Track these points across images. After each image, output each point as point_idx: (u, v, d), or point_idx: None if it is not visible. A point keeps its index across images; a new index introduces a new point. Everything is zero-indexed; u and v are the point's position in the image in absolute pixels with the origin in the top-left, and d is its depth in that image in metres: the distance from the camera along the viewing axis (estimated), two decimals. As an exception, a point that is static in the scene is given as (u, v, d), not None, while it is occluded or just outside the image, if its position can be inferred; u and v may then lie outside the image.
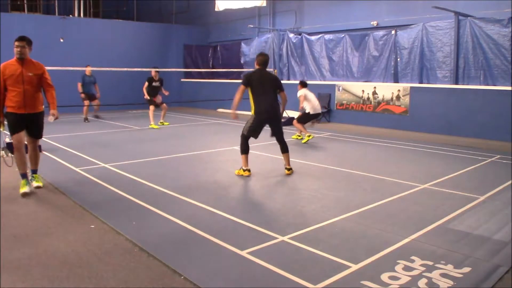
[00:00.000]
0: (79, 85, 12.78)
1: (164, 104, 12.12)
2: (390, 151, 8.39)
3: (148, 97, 11.63)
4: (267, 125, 6.29)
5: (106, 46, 16.47)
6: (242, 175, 6.20)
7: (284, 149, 6.37)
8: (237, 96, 6.11)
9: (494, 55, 10.07)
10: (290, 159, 6.46)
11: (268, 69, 6.38)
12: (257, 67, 6.24)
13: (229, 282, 3.11)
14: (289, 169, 6.33)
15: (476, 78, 10.46)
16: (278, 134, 6.35)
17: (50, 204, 4.92)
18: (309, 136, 9.28)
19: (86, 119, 12.92)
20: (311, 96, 9.49)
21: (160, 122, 12.21)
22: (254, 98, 6.10)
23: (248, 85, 6.08)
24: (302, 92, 9.42)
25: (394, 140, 9.65)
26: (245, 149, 6.23)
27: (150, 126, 11.62)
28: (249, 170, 6.22)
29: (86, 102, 12.85)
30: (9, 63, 5.14)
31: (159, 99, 11.91)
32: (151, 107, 11.71)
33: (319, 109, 9.55)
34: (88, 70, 12.77)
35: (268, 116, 6.15)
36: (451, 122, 10.58)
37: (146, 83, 11.70)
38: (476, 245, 3.78)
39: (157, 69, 11.88)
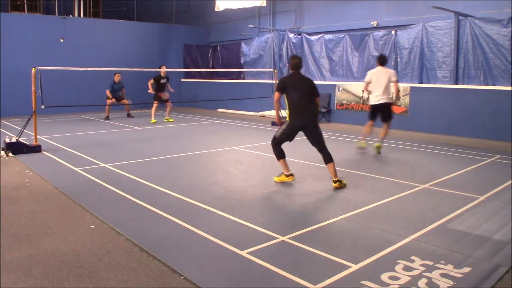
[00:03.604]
0: (108, 92, 13.54)
1: (169, 101, 12.98)
2: (390, 151, 8.38)
3: (153, 92, 12.58)
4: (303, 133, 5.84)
5: (106, 46, 16.46)
6: (285, 181, 5.77)
7: (327, 159, 5.69)
8: (276, 105, 5.79)
9: (494, 55, 10.06)
10: (292, 159, 6.43)
11: (299, 71, 5.91)
12: (291, 71, 5.89)
13: (229, 282, 3.11)
14: (336, 181, 5.56)
15: (476, 78, 10.45)
16: (317, 144, 5.76)
17: (50, 204, 4.92)
18: (363, 143, 8.22)
19: (107, 117, 13.55)
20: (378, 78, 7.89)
21: (166, 119, 13.05)
22: (290, 104, 5.72)
23: (283, 91, 5.71)
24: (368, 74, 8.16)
25: (394, 140, 9.64)
26: (280, 154, 5.79)
27: (151, 121, 12.58)
28: (292, 175, 5.78)
29: (109, 101, 13.50)
30: None
31: (165, 95, 12.75)
32: (155, 104, 12.71)
33: (383, 99, 7.88)
34: (117, 77, 13.56)
35: (304, 123, 5.71)
36: (451, 122, 10.57)
37: (152, 80, 12.62)
38: (476, 245, 3.78)
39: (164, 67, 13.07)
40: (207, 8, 17.92)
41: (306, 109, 5.71)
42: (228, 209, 4.69)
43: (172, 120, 13.16)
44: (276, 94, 5.72)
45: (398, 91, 8.13)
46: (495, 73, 10.10)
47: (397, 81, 8.04)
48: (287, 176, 5.80)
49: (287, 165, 5.84)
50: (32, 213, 4.57)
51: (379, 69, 8.01)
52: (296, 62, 5.86)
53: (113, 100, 13.61)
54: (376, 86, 7.91)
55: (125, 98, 13.89)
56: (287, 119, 5.80)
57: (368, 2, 13.11)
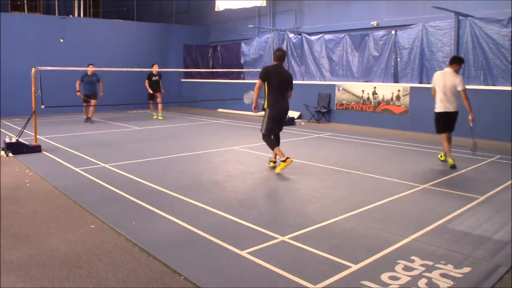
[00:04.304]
0: (77, 83, 12.53)
1: (158, 99, 13.65)
2: (390, 151, 8.39)
3: (151, 91, 13.37)
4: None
5: (106, 46, 16.46)
6: (286, 166, 6.12)
7: (278, 142, 6.54)
8: (257, 92, 6.16)
9: (494, 55, 10.06)
10: (292, 160, 6.43)
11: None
12: (275, 62, 6.32)
13: (229, 282, 3.10)
14: (274, 162, 6.56)
15: (476, 78, 10.45)
16: (280, 129, 6.52)
17: (50, 204, 4.92)
18: (443, 156, 7.23)
19: (87, 119, 12.82)
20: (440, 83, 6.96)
21: (159, 117, 13.70)
22: (270, 93, 6.14)
23: (266, 79, 6.12)
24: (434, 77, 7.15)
25: (394, 140, 9.65)
26: (274, 144, 6.27)
27: (153, 118, 13.71)
28: (289, 157, 6.12)
29: (84, 102, 12.79)
30: None
31: (159, 90, 13.47)
32: (151, 103, 13.71)
33: (447, 107, 6.89)
34: (89, 69, 12.43)
35: (283, 112, 6.27)
36: (451, 122, 10.55)
37: (147, 80, 13.39)
38: (476, 245, 3.78)
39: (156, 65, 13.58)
40: (207, 8, 17.93)
41: (285, 100, 6.23)
42: (228, 209, 4.69)
43: (162, 118, 13.62)
44: (259, 82, 6.12)
45: (467, 102, 6.79)
46: (495, 73, 10.10)
47: (465, 91, 6.79)
48: (285, 161, 6.04)
49: (282, 152, 6.16)
50: (32, 213, 4.57)
51: (446, 71, 7.04)
52: (281, 54, 6.29)
53: (83, 96, 12.54)
54: (439, 90, 6.93)
55: (102, 92, 12.70)
56: (265, 106, 6.22)
57: (368, 2, 13.11)
